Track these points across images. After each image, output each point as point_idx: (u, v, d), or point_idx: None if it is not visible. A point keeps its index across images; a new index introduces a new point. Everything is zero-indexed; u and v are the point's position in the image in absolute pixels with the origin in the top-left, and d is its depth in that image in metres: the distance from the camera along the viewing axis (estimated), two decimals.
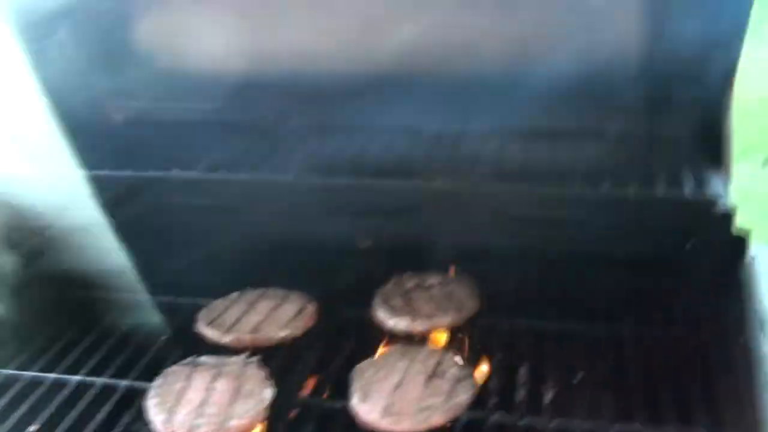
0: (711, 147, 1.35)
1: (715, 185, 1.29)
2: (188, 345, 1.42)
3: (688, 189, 1.26)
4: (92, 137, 1.42)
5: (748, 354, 1.12)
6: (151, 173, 1.42)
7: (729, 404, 1.15)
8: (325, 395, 1.32)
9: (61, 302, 1.59)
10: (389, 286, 1.50)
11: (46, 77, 1.40)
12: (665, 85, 1.31)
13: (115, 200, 1.48)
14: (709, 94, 1.30)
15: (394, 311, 1.42)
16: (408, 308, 1.43)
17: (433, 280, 1.51)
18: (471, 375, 1.27)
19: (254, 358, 1.35)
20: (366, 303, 1.47)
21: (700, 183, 1.29)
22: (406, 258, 1.55)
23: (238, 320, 1.46)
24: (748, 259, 1.21)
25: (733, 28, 1.24)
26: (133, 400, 1.30)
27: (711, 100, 1.31)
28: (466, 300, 1.45)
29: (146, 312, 1.55)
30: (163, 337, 1.50)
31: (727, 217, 1.24)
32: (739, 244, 1.22)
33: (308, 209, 1.49)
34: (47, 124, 1.40)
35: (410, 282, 1.51)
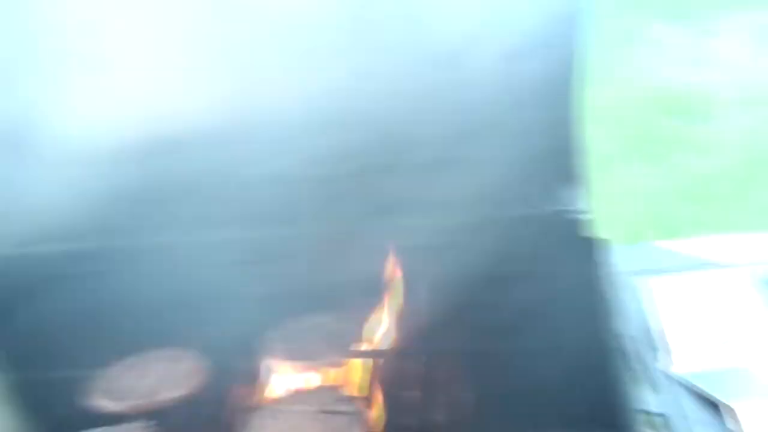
0: (565, 161, 1.42)
1: (569, 196, 1.36)
2: (82, 420, 1.40)
3: (543, 203, 1.32)
4: None
5: (614, 355, 1.19)
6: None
7: (605, 405, 1.21)
8: None
9: None
10: (279, 332, 1.52)
11: None
12: (516, 105, 1.37)
13: None
14: (559, 111, 1.38)
15: (284, 356, 1.45)
16: (298, 351, 1.45)
17: (321, 321, 1.54)
18: (364, 409, 1.30)
19: (148, 423, 1.34)
20: (258, 351, 1.48)
21: (555, 196, 1.36)
22: (294, 303, 1.57)
23: (131, 386, 1.46)
24: (603, 262, 1.28)
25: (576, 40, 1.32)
26: None
27: (562, 117, 1.38)
28: (354, 336, 1.48)
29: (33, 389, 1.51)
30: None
31: (582, 224, 1.31)
32: (594, 249, 1.30)
33: (191, 264, 1.49)
34: None
35: (299, 325, 1.53)
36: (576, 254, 1.30)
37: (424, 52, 1.33)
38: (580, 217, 1.32)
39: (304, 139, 1.36)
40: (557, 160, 1.38)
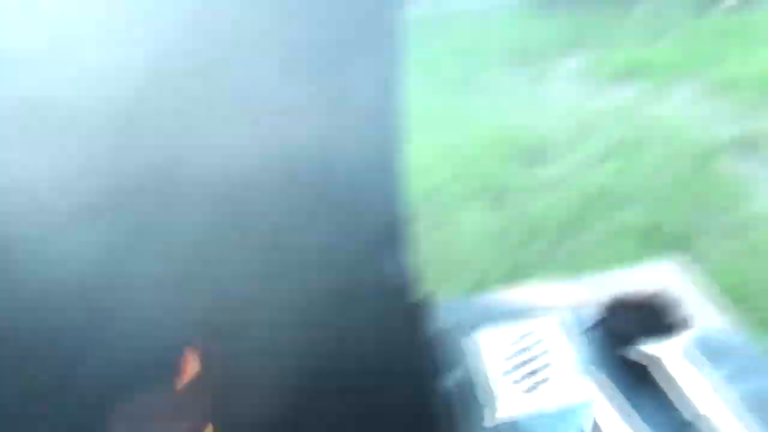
0: (390, 222, 1.49)
1: (395, 258, 1.43)
2: None
3: (369, 268, 1.38)
4: None
5: (442, 410, 1.26)
6: None
7: None
8: None
9: None
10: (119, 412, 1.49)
11: None
12: (347, 184, 1.42)
13: None
14: (385, 187, 1.44)
15: None
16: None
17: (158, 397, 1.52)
18: None
19: None
20: None
21: (381, 259, 1.42)
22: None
23: None
24: (431, 320, 1.36)
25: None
26: None
27: (388, 192, 1.44)
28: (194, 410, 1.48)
29: None
30: None
31: (409, 285, 1.38)
32: (422, 309, 1.37)
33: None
34: None
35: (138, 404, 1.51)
36: (403, 315, 1.37)
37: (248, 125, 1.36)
38: (407, 278, 1.38)
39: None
40: (382, 223, 1.45)
